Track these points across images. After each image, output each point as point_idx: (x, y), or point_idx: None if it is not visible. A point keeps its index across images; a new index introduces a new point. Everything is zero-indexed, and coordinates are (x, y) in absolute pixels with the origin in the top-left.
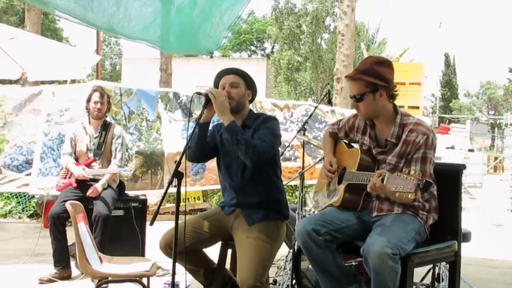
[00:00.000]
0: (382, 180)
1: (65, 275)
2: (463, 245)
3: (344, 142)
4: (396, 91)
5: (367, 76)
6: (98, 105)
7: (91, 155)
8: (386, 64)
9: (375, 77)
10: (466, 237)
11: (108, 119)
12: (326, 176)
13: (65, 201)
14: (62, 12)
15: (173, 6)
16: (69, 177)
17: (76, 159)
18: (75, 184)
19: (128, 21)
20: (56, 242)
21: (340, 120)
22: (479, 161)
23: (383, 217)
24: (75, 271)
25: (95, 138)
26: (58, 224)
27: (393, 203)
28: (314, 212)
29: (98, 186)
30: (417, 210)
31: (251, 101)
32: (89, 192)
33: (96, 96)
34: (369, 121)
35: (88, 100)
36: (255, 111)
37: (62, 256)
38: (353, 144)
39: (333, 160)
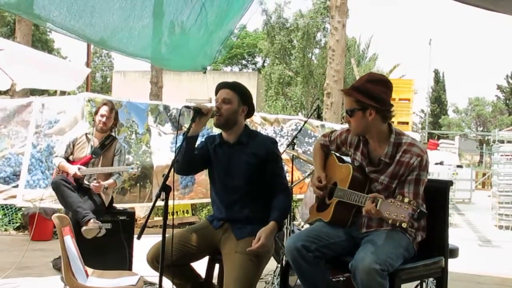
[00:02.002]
0: (376, 205)
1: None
2: (450, 261)
3: (335, 155)
4: (391, 111)
5: (357, 93)
6: (104, 119)
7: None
8: (382, 83)
9: (364, 95)
10: (453, 253)
11: (113, 134)
12: (315, 192)
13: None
14: (55, 25)
15: (176, 25)
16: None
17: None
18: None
19: (131, 39)
20: (70, 195)
21: (332, 132)
22: (467, 177)
23: (372, 233)
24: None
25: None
26: (63, 185)
27: (382, 219)
28: (303, 226)
29: (106, 183)
30: (406, 227)
31: (248, 115)
32: (93, 185)
33: (103, 110)
34: (362, 137)
35: (96, 113)
36: None
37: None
38: (344, 158)
39: (322, 175)
